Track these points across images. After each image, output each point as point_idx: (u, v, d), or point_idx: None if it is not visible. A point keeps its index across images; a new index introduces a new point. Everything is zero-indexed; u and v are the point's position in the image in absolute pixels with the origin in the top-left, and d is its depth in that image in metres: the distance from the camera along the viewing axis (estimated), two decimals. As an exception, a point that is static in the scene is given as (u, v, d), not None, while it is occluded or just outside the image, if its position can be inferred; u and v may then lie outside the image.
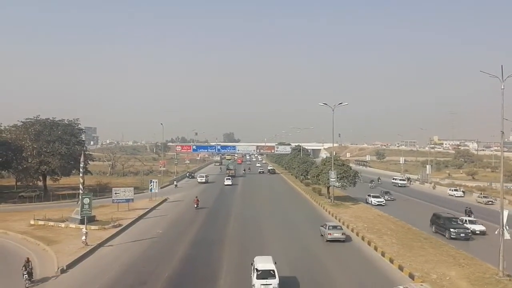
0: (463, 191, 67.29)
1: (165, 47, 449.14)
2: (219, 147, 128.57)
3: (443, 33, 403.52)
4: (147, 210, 46.67)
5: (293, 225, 39.80)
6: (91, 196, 34.53)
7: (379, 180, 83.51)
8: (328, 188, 55.01)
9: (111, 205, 46.60)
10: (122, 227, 36.90)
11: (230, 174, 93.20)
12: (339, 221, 40.39)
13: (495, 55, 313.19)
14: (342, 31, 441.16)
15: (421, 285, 21.18)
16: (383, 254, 27.93)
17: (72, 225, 36.44)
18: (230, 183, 78.61)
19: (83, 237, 29.75)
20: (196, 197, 52.05)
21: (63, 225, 37.01)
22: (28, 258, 22.48)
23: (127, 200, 46.72)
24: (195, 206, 49.37)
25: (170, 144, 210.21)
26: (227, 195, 64.24)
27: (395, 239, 32.09)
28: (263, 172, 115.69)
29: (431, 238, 32.70)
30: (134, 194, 48.92)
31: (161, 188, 66.00)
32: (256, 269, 20.91)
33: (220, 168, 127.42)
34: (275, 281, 20.32)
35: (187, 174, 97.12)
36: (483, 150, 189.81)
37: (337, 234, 32.43)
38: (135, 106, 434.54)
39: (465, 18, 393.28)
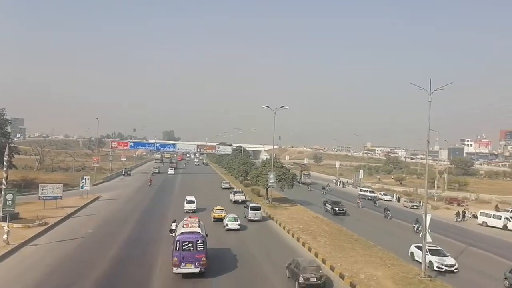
0: (399, 197, 70.75)
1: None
2: (158, 144, 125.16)
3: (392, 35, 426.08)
4: (77, 208, 44.38)
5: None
6: (15, 192, 33.26)
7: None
8: (266, 189, 55.83)
9: (37, 202, 43.60)
10: (49, 225, 34.71)
11: (173, 166, 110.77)
12: (276, 222, 41.35)
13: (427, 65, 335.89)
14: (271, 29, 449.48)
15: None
16: (316, 255, 28.70)
17: (-8, 223, 33.71)
18: (173, 173, 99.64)
19: (5, 236, 27.81)
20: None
21: (-19, 222, 34.09)
22: None
23: (55, 197, 43.97)
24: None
25: (106, 139, 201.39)
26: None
27: (328, 240, 33.24)
28: (198, 164, 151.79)
29: (361, 239, 34.22)
30: (64, 191, 46.38)
31: (93, 185, 63.43)
32: (186, 199, 46.22)
33: (163, 164, 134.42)
34: (194, 205, 45.28)
35: (123, 172, 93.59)
36: (412, 157, 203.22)
37: (226, 185, 72.08)
38: (68, 99, 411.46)
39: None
